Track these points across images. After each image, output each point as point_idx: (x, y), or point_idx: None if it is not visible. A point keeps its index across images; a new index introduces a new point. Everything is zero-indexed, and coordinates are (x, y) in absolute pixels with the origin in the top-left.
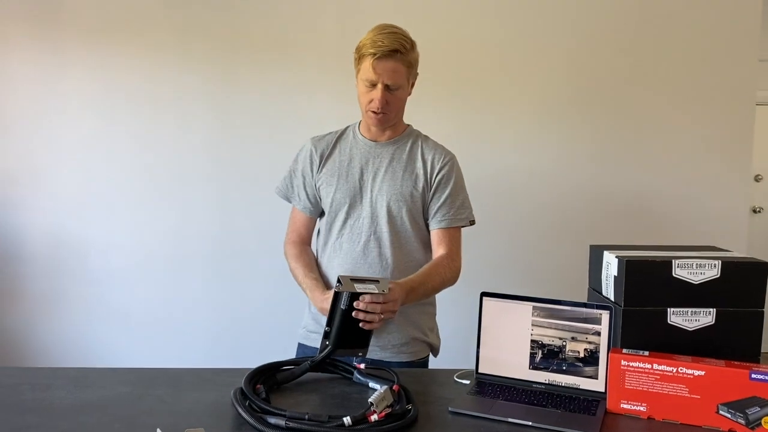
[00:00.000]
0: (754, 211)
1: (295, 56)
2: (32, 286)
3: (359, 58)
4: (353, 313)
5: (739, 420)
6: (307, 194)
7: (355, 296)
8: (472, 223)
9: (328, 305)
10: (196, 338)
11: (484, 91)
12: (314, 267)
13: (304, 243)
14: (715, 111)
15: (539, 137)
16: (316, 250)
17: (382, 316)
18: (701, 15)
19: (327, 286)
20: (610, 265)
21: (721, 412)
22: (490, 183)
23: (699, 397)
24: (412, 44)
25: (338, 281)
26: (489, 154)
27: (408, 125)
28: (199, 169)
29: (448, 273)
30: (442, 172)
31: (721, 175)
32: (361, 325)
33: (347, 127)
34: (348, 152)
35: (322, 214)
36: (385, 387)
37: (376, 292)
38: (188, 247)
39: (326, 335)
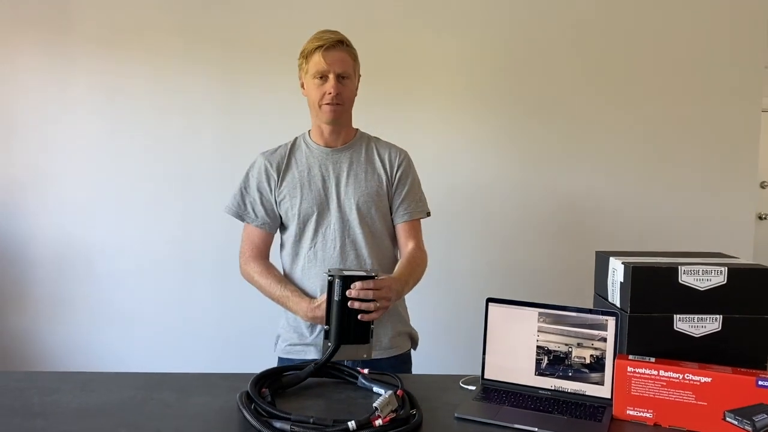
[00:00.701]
0: (760, 218)
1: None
2: (39, 290)
3: (306, 58)
4: (349, 303)
5: (746, 427)
6: (265, 210)
7: (347, 286)
8: (428, 214)
9: (320, 313)
10: (202, 343)
11: (489, 96)
12: (286, 280)
13: (264, 258)
14: (721, 117)
15: (543, 143)
16: (283, 266)
17: (378, 305)
18: (706, 20)
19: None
20: (616, 271)
21: (727, 419)
22: (496, 190)
23: (705, 403)
24: (352, 45)
25: (328, 272)
26: (493, 161)
27: (357, 129)
28: (206, 174)
29: (423, 265)
30: (401, 168)
31: (726, 181)
32: (359, 316)
33: (296, 139)
34: (305, 162)
35: (280, 228)
36: (389, 392)
37: (366, 275)
38: (195, 252)
39: (326, 334)
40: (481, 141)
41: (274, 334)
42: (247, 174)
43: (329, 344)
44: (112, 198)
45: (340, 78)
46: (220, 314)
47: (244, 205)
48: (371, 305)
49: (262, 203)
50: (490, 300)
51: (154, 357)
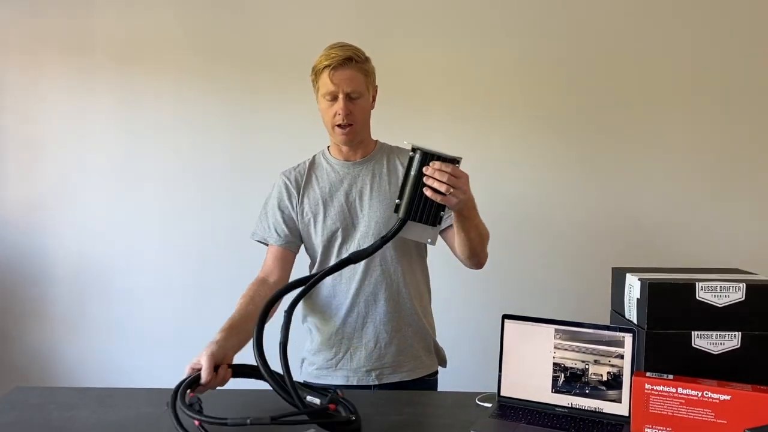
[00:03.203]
0: None
1: None
2: (57, 308)
3: (316, 76)
4: (424, 179)
5: None
6: (287, 228)
7: (425, 163)
8: None
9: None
10: None
11: (499, 113)
12: (246, 309)
13: (261, 282)
14: (740, 128)
15: (559, 158)
16: None
17: (452, 191)
18: (734, 19)
19: (330, 315)
20: (633, 287)
21: None
22: (510, 205)
23: (725, 422)
24: (366, 57)
25: (412, 146)
26: (505, 176)
27: (377, 141)
28: (222, 193)
29: (487, 230)
30: None
31: (744, 196)
32: (425, 191)
33: (315, 156)
34: (326, 178)
35: (305, 248)
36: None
37: (448, 156)
38: (210, 270)
39: (396, 208)
40: (495, 160)
41: (292, 350)
42: (269, 195)
43: (399, 217)
44: (130, 217)
45: (349, 98)
46: None
47: (268, 227)
48: (443, 186)
49: (284, 221)
50: (506, 316)
51: (170, 373)
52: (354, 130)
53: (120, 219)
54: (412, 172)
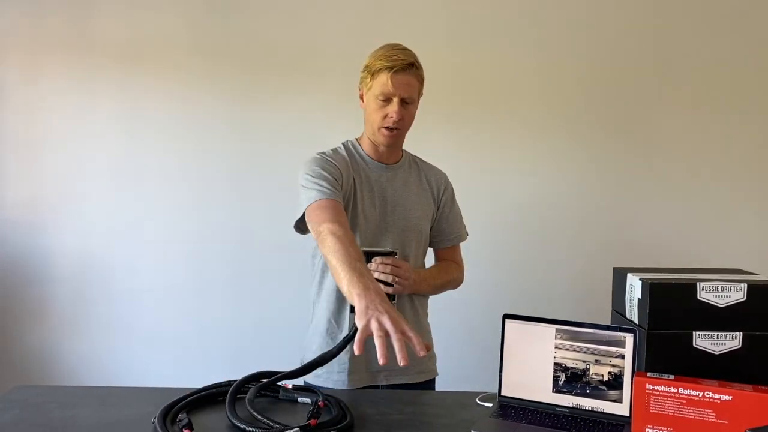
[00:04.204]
0: None
1: (317, 79)
2: (59, 307)
3: (372, 76)
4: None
5: None
6: (335, 178)
7: (368, 261)
8: (467, 234)
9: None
10: (218, 359)
11: (500, 116)
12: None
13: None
14: (743, 130)
15: (561, 160)
16: (316, 280)
17: (397, 279)
18: (746, 29)
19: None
20: (634, 287)
21: None
22: (511, 205)
23: (726, 422)
24: (421, 65)
25: None
26: (507, 176)
27: (402, 149)
28: (223, 192)
29: (455, 274)
30: (447, 192)
31: (746, 196)
32: None
33: (346, 147)
34: (362, 175)
35: None
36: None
37: (385, 250)
38: (211, 268)
39: (352, 309)
40: (497, 162)
41: (291, 349)
42: (312, 162)
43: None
44: (130, 217)
45: (404, 102)
46: (236, 331)
47: (327, 186)
48: (388, 277)
49: (332, 175)
50: (506, 316)
51: (172, 372)
52: (400, 134)
53: (120, 219)
54: None
